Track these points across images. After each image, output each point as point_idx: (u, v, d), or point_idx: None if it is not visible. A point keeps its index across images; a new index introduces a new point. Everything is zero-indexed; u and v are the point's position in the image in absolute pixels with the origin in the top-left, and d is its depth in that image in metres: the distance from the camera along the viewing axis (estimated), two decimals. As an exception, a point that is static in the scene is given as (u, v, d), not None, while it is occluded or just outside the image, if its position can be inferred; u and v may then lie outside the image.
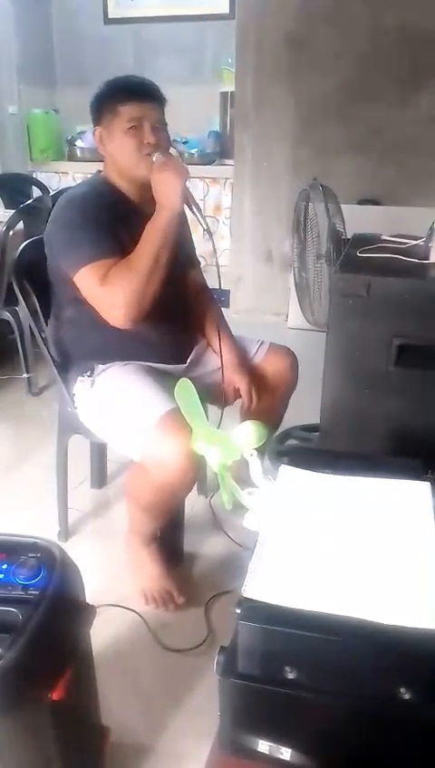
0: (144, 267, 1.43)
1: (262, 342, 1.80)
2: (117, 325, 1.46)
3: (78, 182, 4.22)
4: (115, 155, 1.54)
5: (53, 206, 1.57)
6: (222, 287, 1.80)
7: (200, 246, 1.84)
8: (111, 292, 1.43)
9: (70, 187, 1.81)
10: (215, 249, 1.58)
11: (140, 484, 1.49)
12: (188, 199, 1.48)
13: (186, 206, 1.51)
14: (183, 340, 1.71)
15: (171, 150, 1.58)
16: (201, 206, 1.52)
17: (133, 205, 1.58)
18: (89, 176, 1.73)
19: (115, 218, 1.51)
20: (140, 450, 1.44)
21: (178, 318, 1.65)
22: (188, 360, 1.71)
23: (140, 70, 4.31)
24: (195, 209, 1.51)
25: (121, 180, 1.57)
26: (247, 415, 1.69)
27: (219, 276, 1.67)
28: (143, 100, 1.51)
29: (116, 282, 1.42)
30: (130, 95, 1.50)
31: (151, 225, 1.46)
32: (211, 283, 1.83)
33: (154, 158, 1.49)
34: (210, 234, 1.54)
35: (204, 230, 1.53)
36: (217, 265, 1.62)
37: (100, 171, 1.63)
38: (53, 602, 0.92)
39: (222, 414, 1.64)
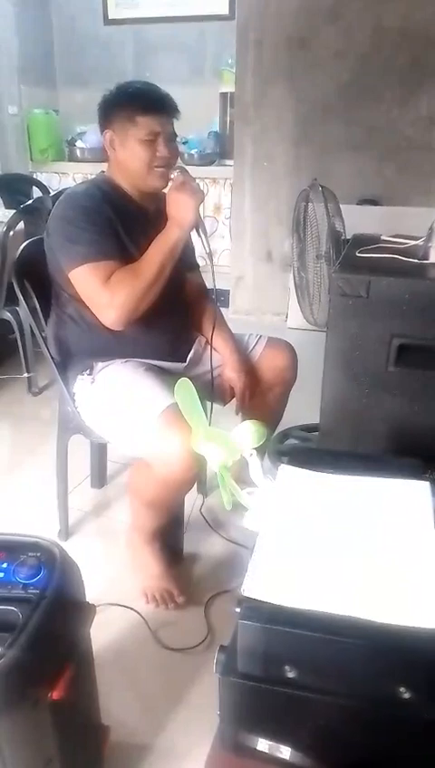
0: (149, 276, 1.47)
1: (260, 337, 1.81)
2: (108, 325, 1.50)
3: (78, 182, 4.26)
4: (126, 162, 1.54)
5: (54, 206, 1.57)
6: (221, 287, 1.80)
7: (200, 248, 1.84)
8: (112, 293, 1.46)
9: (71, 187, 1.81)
10: (213, 272, 1.58)
11: (143, 481, 1.50)
12: (197, 222, 1.52)
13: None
14: (182, 338, 1.71)
15: (186, 167, 1.59)
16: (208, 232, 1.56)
17: (135, 204, 1.59)
18: (89, 176, 1.74)
19: (117, 217, 1.52)
20: (143, 446, 1.45)
21: (176, 317, 1.66)
22: (188, 359, 1.71)
23: (140, 70, 4.34)
24: (201, 232, 1.55)
25: (126, 183, 1.58)
26: (247, 412, 1.69)
27: (234, 278, 1.67)
28: (162, 113, 1.51)
29: (120, 285, 1.46)
30: (149, 107, 1.50)
31: (162, 239, 1.50)
32: (221, 284, 1.83)
33: (173, 176, 1.53)
34: (211, 258, 1.56)
35: (206, 253, 1.56)
36: (230, 268, 1.62)
37: (103, 172, 1.63)
38: (53, 601, 0.92)
39: (224, 411, 1.64)
